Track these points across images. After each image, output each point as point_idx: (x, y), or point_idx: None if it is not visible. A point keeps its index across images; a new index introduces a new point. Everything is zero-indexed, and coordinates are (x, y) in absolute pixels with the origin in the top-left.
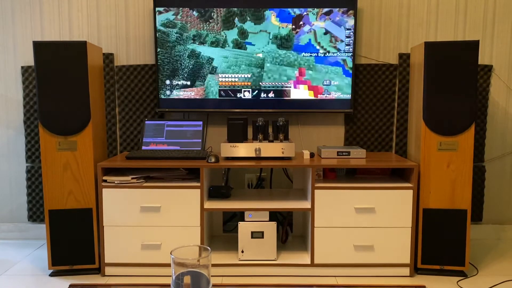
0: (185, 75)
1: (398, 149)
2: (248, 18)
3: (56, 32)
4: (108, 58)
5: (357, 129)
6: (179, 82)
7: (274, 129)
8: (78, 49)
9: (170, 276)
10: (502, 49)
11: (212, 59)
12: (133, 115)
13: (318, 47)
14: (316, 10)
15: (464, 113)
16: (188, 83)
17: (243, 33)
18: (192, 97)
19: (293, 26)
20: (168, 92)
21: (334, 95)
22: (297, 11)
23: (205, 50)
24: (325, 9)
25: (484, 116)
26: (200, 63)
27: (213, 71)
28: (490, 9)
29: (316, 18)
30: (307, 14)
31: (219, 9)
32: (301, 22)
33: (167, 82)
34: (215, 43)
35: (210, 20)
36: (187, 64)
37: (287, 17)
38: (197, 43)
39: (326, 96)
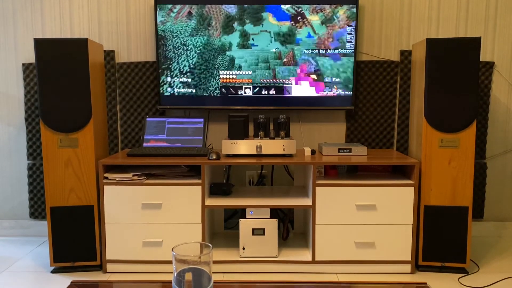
0: (220, 66)
1: (399, 146)
2: (247, 21)
3: (57, 29)
4: (109, 55)
5: (358, 126)
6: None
7: (275, 126)
8: (79, 46)
9: (172, 272)
10: (504, 46)
11: (234, 58)
12: (134, 112)
13: (316, 39)
14: (314, 6)
15: (465, 110)
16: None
17: (245, 35)
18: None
19: (292, 22)
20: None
21: (336, 92)
22: (291, 10)
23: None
24: (326, 7)
25: (486, 113)
26: (228, 58)
27: (239, 67)
28: (492, 5)
29: (309, 12)
30: (303, 11)
31: (218, 16)
32: (299, 18)
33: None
34: (220, 47)
35: (209, 28)
36: (222, 61)
37: (284, 15)
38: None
39: (327, 93)
